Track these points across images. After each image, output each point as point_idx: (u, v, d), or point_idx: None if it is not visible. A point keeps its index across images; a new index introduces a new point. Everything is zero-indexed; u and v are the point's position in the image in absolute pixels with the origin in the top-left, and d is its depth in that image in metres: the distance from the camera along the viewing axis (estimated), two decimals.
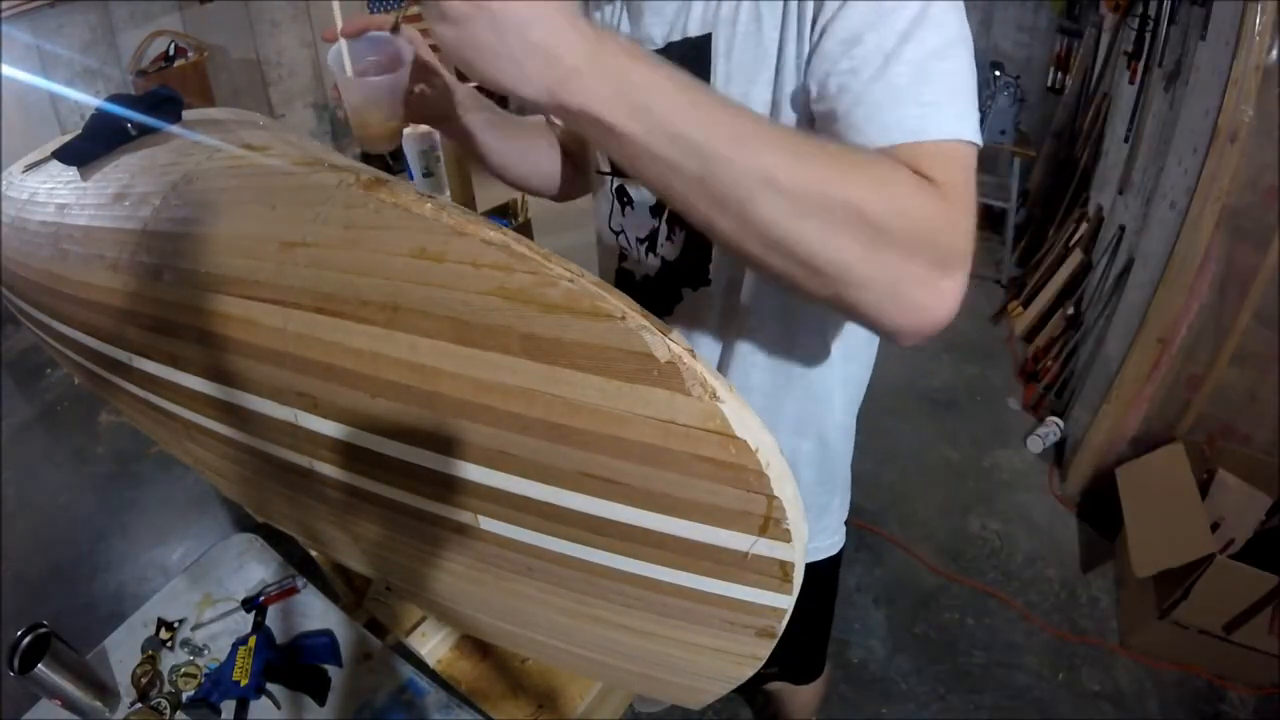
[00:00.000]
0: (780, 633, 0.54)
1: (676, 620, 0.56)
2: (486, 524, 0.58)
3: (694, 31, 0.65)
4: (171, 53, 4.70)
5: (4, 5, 3.66)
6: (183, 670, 0.99)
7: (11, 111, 3.81)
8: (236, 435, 0.77)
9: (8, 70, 3.77)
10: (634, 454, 0.48)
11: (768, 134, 0.45)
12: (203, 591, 1.12)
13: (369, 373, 0.58)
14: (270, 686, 0.96)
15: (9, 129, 3.66)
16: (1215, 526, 1.72)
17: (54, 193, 1.13)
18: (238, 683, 0.94)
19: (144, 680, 0.98)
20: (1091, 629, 1.87)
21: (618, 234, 0.82)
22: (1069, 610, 1.92)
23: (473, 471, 0.55)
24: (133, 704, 0.96)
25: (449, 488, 0.58)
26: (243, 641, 0.99)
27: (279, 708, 0.95)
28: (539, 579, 0.60)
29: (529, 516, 0.55)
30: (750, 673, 0.58)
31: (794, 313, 0.74)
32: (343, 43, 0.66)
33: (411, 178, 1.93)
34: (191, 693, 0.97)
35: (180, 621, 1.07)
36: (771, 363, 0.77)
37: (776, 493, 0.46)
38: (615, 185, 0.79)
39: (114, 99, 1.19)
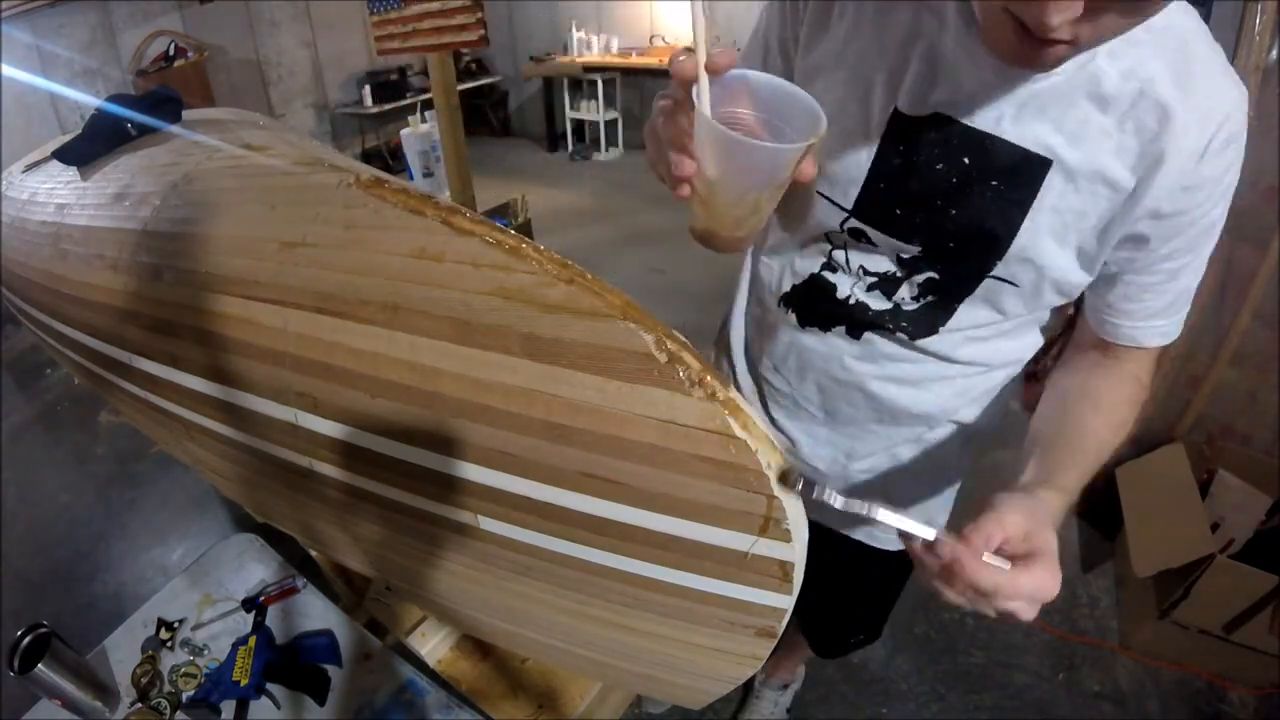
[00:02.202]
0: (779, 632, 0.54)
1: (676, 620, 0.56)
2: (486, 524, 0.58)
3: (1021, 141, 0.60)
4: (171, 53, 4.71)
5: (4, 5, 3.66)
6: (183, 670, 0.99)
7: (11, 111, 3.81)
8: (236, 435, 0.77)
9: (8, 70, 3.77)
10: (634, 454, 0.48)
11: (1103, 448, 0.67)
12: (203, 591, 1.12)
13: (369, 373, 0.58)
14: (270, 687, 0.96)
15: (9, 129, 3.66)
16: (1215, 526, 1.72)
17: (54, 193, 1.13)
18: (238, 683, 0.94)
19: (144, 680, 0.98)
20: (1091, 629, 1.87)
21: (832, 248, 0.76)
22: (1069, 610, 1.91)
23: (473, 471, 0.55)
24: (133, 704, 0.96)
25: (449, 488, 0.57)
26: (243, 641, 0.99)
27: (279, 708, 0.95)
28: (539, 579, 0.60)
29: (529, 516, 0.55)
30: (750, 672, 0.58)
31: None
32: (703, 80, 0.46)
33: (411, 178, 1.93)
34: (191, 693, 0.96)
35: (180, 621, 1.07)
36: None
37: (776, 493, 0.46)
38: (849, 225, 0.72)
39: (114, 99, 1.20)
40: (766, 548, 0.48)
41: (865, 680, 1.77)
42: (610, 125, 6.26)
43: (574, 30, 6.17)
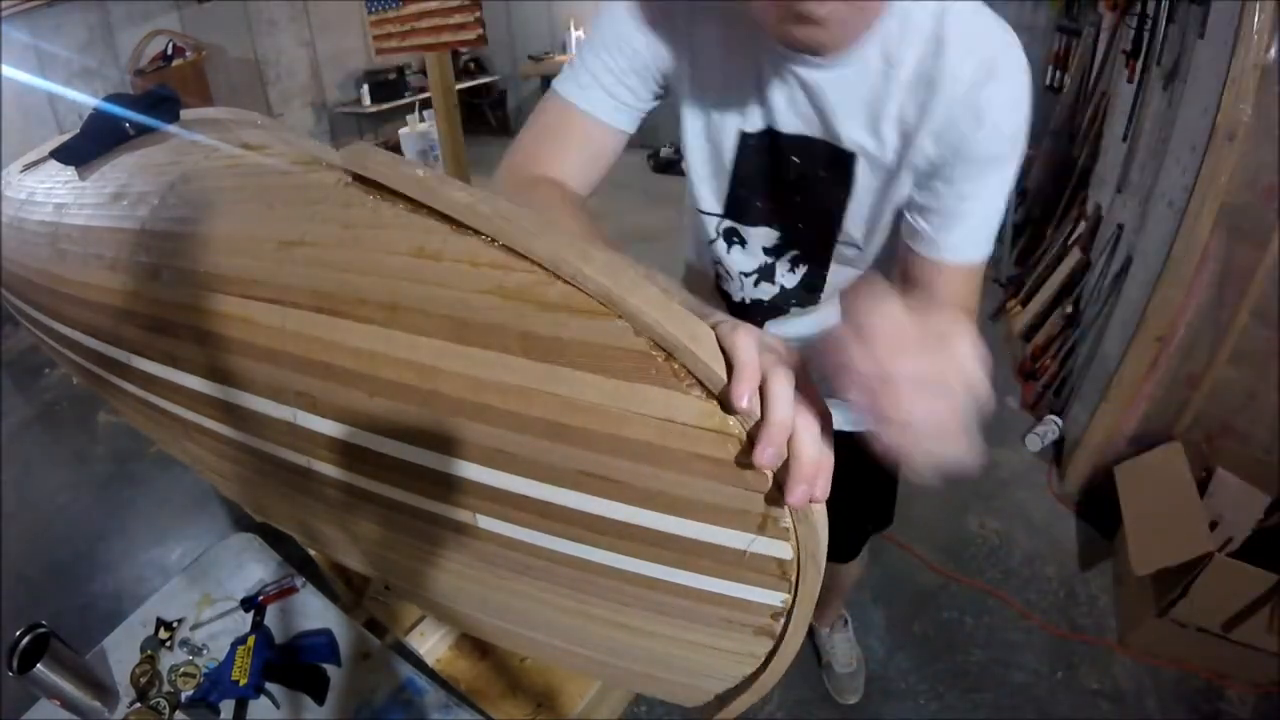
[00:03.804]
0: (779, 632, 0.54)
1: (675, 619, 0.56)
2: (485, 523, 0.58)
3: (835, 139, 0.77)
4: (169, 52, 4.70)
5: (3, 5, 3.65)
6: (182, 670, 0.99)
7: (9, 111, 3.80)
8: (235, 434, 0.77)
9: (6, 70, 3.77)
10: (632, 452, 0.48)
11: None
12: (202, 591, 1.12)
13: (367, 372, 0.58)
14: (269, 686, 0.96)
15: (7, 129, 3.66)
16: (1214, 525, 1.72)
17: (52, 192, 1.13)
18: (236, 682, 0.94)
19: (143, 680, 0.98)
20: (1090, 627, 1.87)
21: (715, 263, 0.97)
22: (1068, 609, 1.92)
23: (471, 470, 0.55)
24: (132, 704, 0.96)
25: (447, 486, 0.57)
26: (242, 641, 1.00)
27: (278, 707, 0.95)
28: (537, 578, 0.60)
29: (527, 515, 0.55)
30: (749, 671, 0.58)
31: None
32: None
33: None
34: (190, 692, 0.97)
35: (179, 621, 1.07)
36: None
37: (774, 490, 0.46)
38: (723, 227, 0.91)
39: (112, 99, 1.19)
40: (765, 546, 0.48)
41: (865, 679, 1.77)
42: None
43: (572, 29, 6.17)
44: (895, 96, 0.70)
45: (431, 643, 1.18)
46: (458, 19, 2.94)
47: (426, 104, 4.86)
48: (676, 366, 0.46)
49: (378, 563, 0.80)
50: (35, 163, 1.32)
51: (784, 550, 0.48)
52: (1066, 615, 1.90)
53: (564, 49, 6.30)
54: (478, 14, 2.92)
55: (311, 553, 1.25)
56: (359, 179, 0.65)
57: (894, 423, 0.39)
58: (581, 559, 0.55)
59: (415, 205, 0.59)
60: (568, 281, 0.49)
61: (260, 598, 1.08)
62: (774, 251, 0.90)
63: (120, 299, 0.86)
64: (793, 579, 0.49)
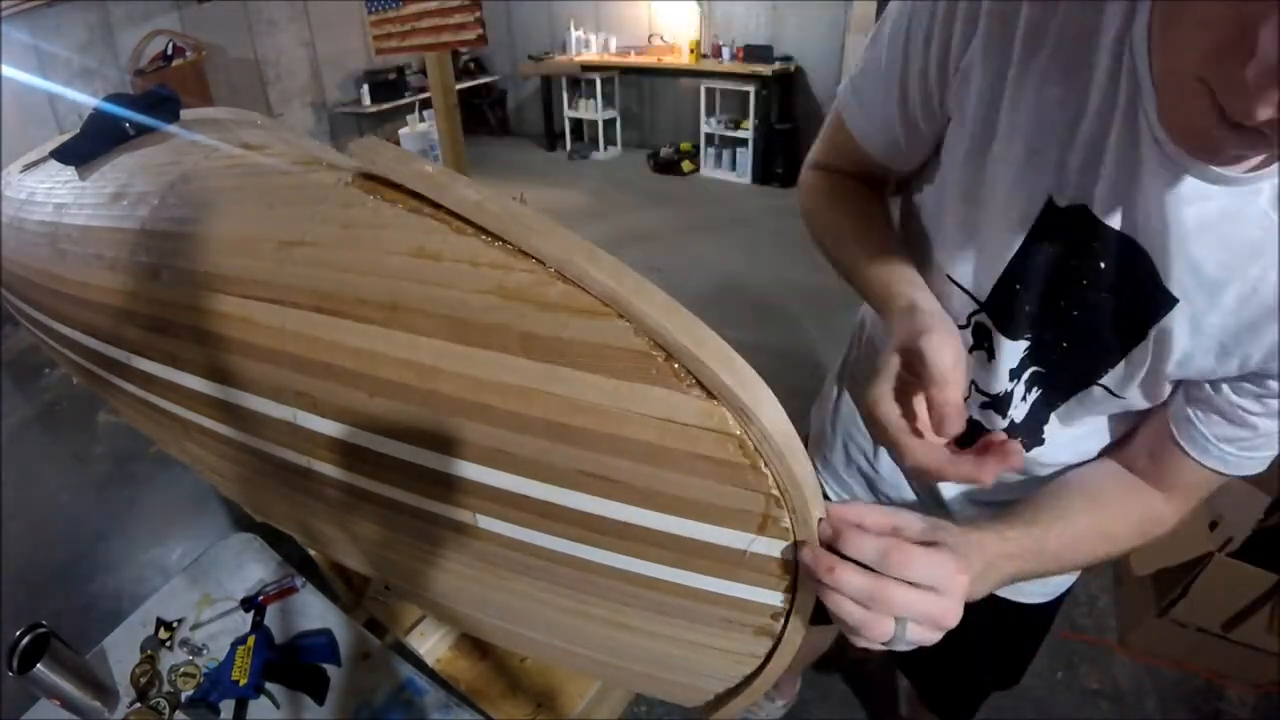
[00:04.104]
0: (780, 631, 0.54)
1: (675, 619, 0.56)
2: (485, 523, 0.58)
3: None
4: (169, 52, 4.71)
5: (3, 5, 3.65)
6: (182, 670, 0.99)
7: (9, 111, 3.80)
8: (235, 435, 0.77)
9: (6, 70, 3.77)
10: (632, 452, 0.48)
11: (1081, 548, 0.61)
12: (201, 591, 1.12)
13: (367, 372, 0.58)
14: (269, 686, 0.96)
15: (7, 128, 3.66)
16: (1214, 525, 1.72)
17: (52, 192, 1.13)
18: (236, 682, 0.94)
19: (143, 680, 0.98)
20: (1090, 627, 1.87)
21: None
22: (1068, 608, 1.92)
23: (471, 470, 0.55)
24: (132, 704, 0.96)
25: (448, 486, 0.58)
26: (242, 641, 0.99)
27: (278, 707, 0.95)
28: (538, 578, 0.60)
29: (528, 515, 0.55)
30: (748, 670, 0.58)
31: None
32: None
33: None
34: (190, 692, 0.96)
35: (179, 621, 1.07)
36: None
37: (774, 491, 0.46)
38: (977, 319, 0.68)
39: (112, 99, 1.19)
40: (765, 546, 0.48)
41: (864, 679, 1.77)
42: (609, 124, 6.26)
43: (572, 29, 6.17)
44: (1264, 257, 0.50)
45: (431, 643, 1.18)
46: (458, 19, 2.95)
47: (426, 104, 4.87)
48: (677, 367, 0.46)
49: (378, 563, 0.80)
50: (35, 163, 1.32)
51: (784, 550, 0.48)
52: (1067, 615, 1.90)
53: (564, 49, 6.30)
54: (478, 14, 2.92)
55: (311, 553, 1.25)
56: (360, 178, 0.65)
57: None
58: (582, 559, 0.55)
59: (415, 205, 0.59)
60: (569, 282, 0.49)
61: (260, 598, 1.08)
62: (1018, 371, 0.67)
63: (120, 299, 0.86)
64: (792, 579, 0.50)
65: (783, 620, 0.53)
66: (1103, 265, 0.56)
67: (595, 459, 0.49)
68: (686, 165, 5.70)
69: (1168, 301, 0.54)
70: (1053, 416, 0.68)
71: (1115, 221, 0.54)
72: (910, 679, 1.21)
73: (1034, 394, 0.68)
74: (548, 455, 0.51)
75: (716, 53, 5.53)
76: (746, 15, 5.51)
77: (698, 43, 5.58)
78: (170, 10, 4.76)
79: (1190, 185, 0.49)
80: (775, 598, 0.51)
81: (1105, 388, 0.63)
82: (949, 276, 0.67)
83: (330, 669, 1.00)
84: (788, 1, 5.26)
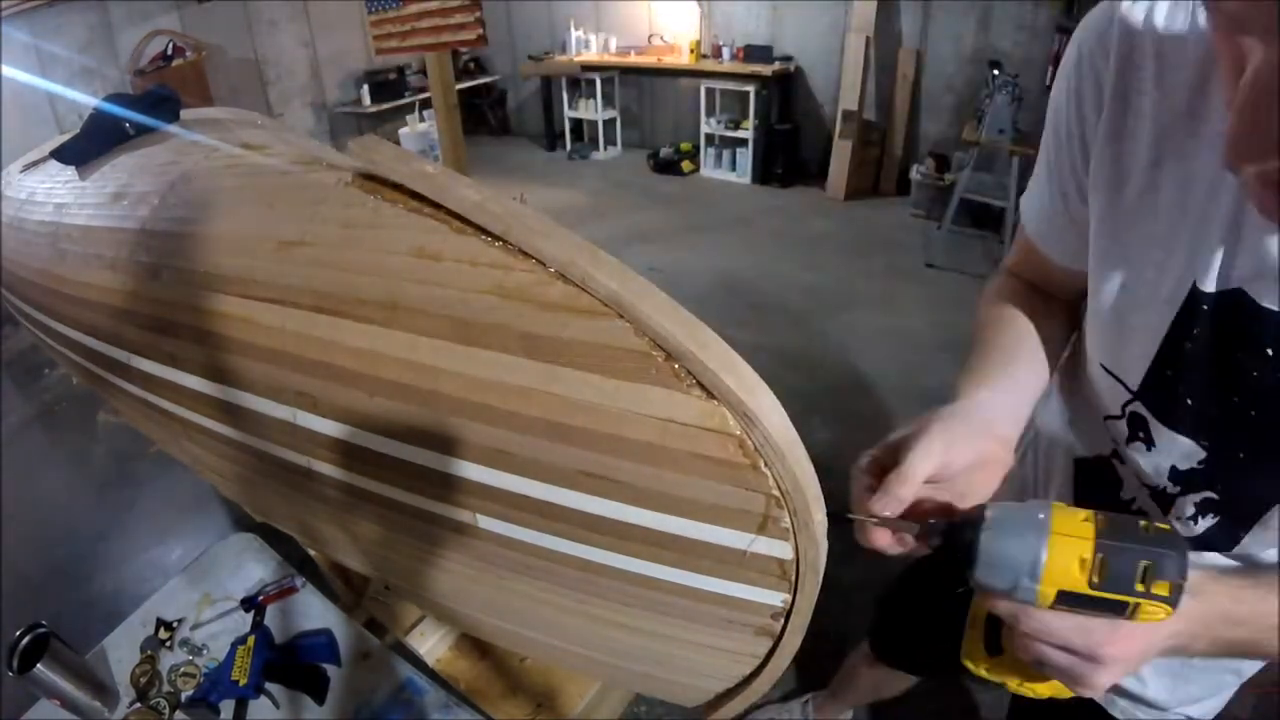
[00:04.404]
0: (780, 631, 0.54)
1: (675, 619, 0.56)
2: (485, 523, 0.58)
3: None
4: (169, 52, 4.71)
5: (3, 5, 3.65)
6: (182, 670, 0.99)
7: (9, 111, 3.80)
8: (235, 434, 0.77)
9: (6, 70, 3.77)
10: (633, 452, 0.48)
11: None
12: (202, 591, 1.12)
13: (367, 371, 0.58)
14: (269, 686, 0.96)
15: (7, 128, 3.65)
16: None
17: (52, 192, 1.13)
18: (236, 682, 0.94)
19: (143, 680, 0.98)
20: None
21: (1114, 446, 0.67)
22: None
23: (471, 470, 0.55)
24: (132, 704, 0.96)
25: (448, 486, 0.57)
26: (242, 641, 0.99)
27: (278, 707, 0.95)
28: (538, 578, 0.60)
29: (528, 515, 0.55)
30: (748, 670, 0.58)
31: None
32: None
33: None
34: (190, 692, 0.96)
35: (179, 621, 1.07)
36: None
37: (775, 491, 0.46)
38: (1131, 409, 0.63)
39: (112, 99, 1.19)
40: (765, 546, 0.48)
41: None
42: (609, 124, 6.26)
43: (572, 29, 6.17)
44: None
45: (431, 643, 1.18)
46: (458, 19, 2.95)
47: (426, 104, 4.86)
48: (677, 367, 0.46)
49: (378, 563, 0.80)
50: (35, 163, 1.32)
51: (784, 550, 0.48)
52: None
53: (564, 49, 6.30)
54: (478, 14, 2.92)
55: (311, 553, 1.25)
56: (360, 178, 0.65)
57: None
58: (582, 559, 0.55)
59: (415, 205, 0.59)
60: (570, 282, 0.49)
61: (260, 598, 1.08)
62: (1185, 481, 0.60)
63: (120, 299, 0.86)
64: (793, 579, 0.49)
65: (783, 621, 0.53)
66: (1270, 352, 0.51)
67: (595, 459, 0.49)
68: (686, 165, 5.70)
69: None
70: (1245, 539, 0.60)
71: (1273, 302, 0.49)
72: None
73: (1209, 519, 0.61)
74: (548, 455, 0.51)
75: (716, 53, 5.53)
76: (746, 15, 5.51)
77: (698, 43, 5.58)
78: (170, 10, 4.76)
79: None
80: (775, 598, 0.51)
81: None
82: (1101, 364, 0.64)
83: (330, 669, 1.00)
84: (788, 1, 5.26)
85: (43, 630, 0.89)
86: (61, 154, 1.16)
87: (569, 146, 6.44)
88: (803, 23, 5.25)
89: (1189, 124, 0.50)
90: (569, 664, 0.77)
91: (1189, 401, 0.57)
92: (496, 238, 0.53)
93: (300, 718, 0.95)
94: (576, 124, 6.45)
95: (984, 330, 0.70)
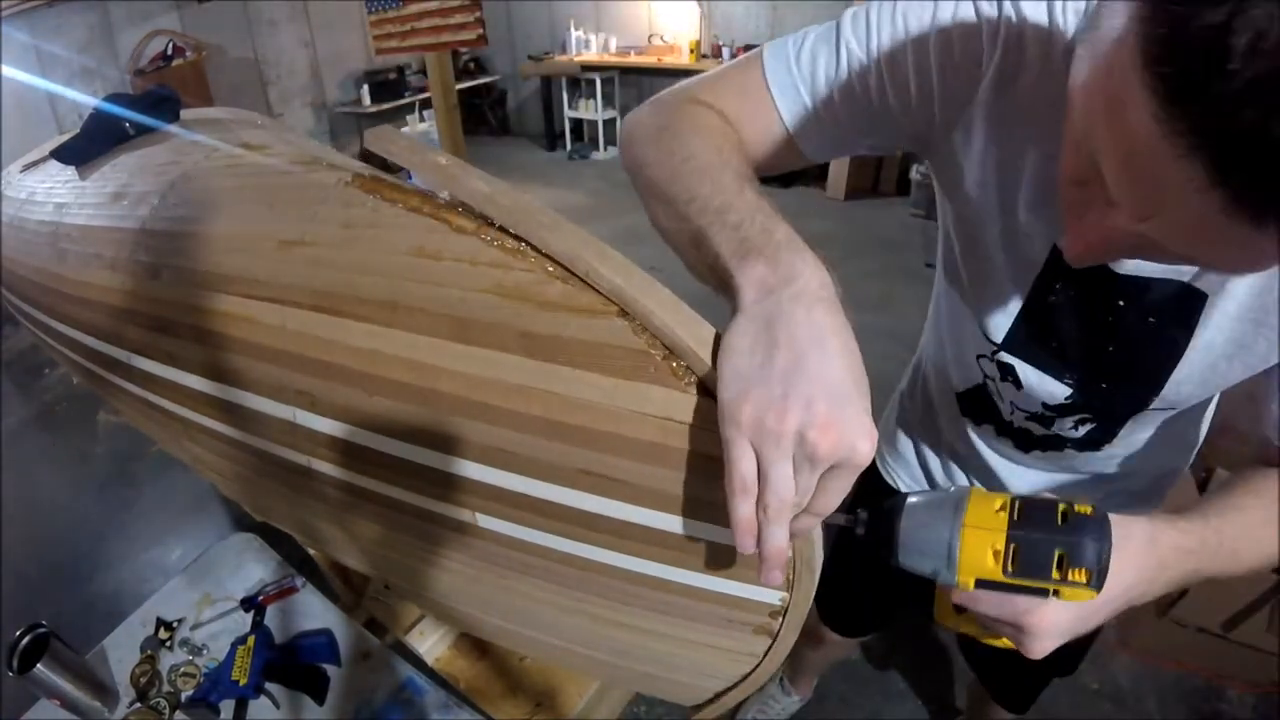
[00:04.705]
0: (778, 630, 0.54)
1: (675, 617, 0.56)
2: (485, 521, 0.58)
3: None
4: (169, 52, 4.71)
5: (3, 5, 3.66)
6: (182, 670, 0.99)
7: (9, 111, 3.80)
8: (235, 434, 0.77)
9: (6, 70, 3.77)
10: (632, 451, 0.48)
11: (1258, 544, 0.56)
12: (202, 591, 1.12)
13: (367, 370, 0.58)
14: (269, 686, 0.96)
15: (7, 128, 3.66)
16: None
17: (52, 192, 1.13)
18: (237, 682, 0.94)
19: (143, 680, 0.98)
20: None
21: (986, 380, 0.73)
22: None
23: (471, 469, 0.55)
24: (132, 703, 0.96)
25: (447, 485, 0.58)
26: (242, 641, 0.99)
27: (278, 707, 0.95)
28: (537, 576, 0.60)
29: (527, 514, 0.55)
30: (748, 669, 0.58)
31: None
32: None
33: (410, 177, 1.93)
34: (190, 692, 0.97)
35: (179, 621, 1.07)
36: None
37: None
38: (999, 357, 0.69)
39: (112, 98, 1.19)
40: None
41: (864, 678, 1.77)
42: (609, 124, 6.26)
43: (572, 29, 6.17)
44: None
45: (431, 642, 1.18)
46: (458, 19, 2.95)
47: (426, 104, 4.87)
48: (676, 365, 0.46)
49: (378, 562, 0.80)
50: (35, 163, 1.32)
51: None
52: None
53: (564, 49, 6.30)
54: (478, 14, 2.92)
55: (311, 552, 1.25)
56: (360, 178, 0.65)
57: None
58: (581, 558, 0.55)
59: (415, 204, 0.59)
60: (569, 281, 0.49)
61: (260, 597, 1.08)
62: (1058, 410, 0.69)
63: (121, 298, 0.86)
64: (790, 577, 0.50)
65: (780, 619, 0.53)
66: (1122, 302, 0.58)
67: (595, 457, 0.49)
68: None
69: (1196, 300, 0.54)
70: (1119, 435, 0.69)
71: (1118, 267, 0.56)
72: (977, 671, 1.21)
73: (1087, 428, 0.69)
74: (547, 454, 0.51)
75: (716, 53, 5.53)
76: (746, 15, 5.52)
77: (698, 43, 5.58)
78: (170, 10, 4.76)
79: None
80: (774, 596, 0.51)
81: (1161, 407, 0.63)
82: (971, 317, 0.69)
83: (330, 669, 1.00)
84: (788, 1, 5.26)
85: (43, 630, 0.89)
86: (61, 154, 1.16)
87: (569, 147, 6.45)
88: (802, 23, 5.19)
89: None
90: (568, 663, 0.77)
91: (1054, 345, 0.64)
92: (496, 237, 0.53)
93: (300, 718, 0.95)
94: (576, 124, 6.46)
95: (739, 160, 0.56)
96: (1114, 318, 0.59)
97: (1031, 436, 0.74)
